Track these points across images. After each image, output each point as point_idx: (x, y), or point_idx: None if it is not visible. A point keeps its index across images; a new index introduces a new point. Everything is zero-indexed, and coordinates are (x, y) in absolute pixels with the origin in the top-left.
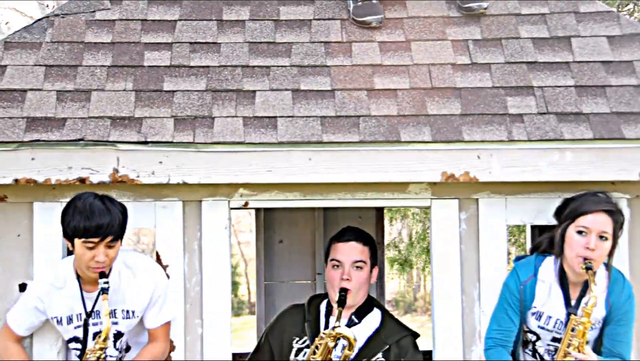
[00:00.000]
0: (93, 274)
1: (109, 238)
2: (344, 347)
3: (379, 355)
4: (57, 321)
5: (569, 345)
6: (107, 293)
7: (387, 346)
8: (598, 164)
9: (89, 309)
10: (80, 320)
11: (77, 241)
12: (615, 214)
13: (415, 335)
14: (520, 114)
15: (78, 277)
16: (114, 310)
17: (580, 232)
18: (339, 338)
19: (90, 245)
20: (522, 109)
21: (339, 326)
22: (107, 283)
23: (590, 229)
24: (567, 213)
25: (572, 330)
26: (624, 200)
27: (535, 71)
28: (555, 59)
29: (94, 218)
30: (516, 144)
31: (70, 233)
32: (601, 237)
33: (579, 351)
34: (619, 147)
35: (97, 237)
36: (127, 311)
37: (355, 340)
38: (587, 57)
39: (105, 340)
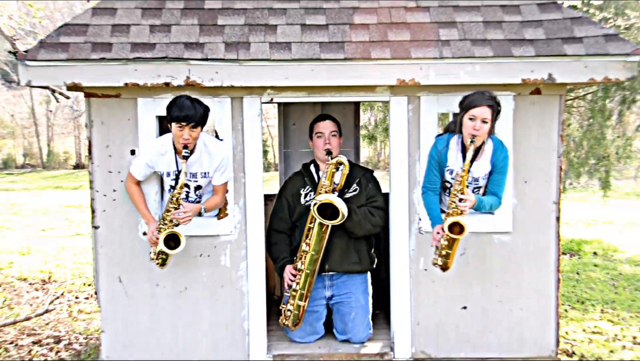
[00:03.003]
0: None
1: (191, 124)
2: (342, 170)
3: (354, 185)
4: (161, 174)
5: (456, 189)
6: (186, 159)
7: (358, 179)
8: (496, 73)
9: (180, 169)
10: (174, 175)
11: (173, 124)
12: (492, 106)
13: (372, 171)
14: (448, 40)
15: (174, 148)
16: (196, 172)
17: (470, 119)
18: (340, 164)
19: (180, 127)
20: (449, 37)
21: (336, 156)
22: (187, 151)
23: (477, 116)
24: (464, 105)
25: (458, 180)
26: (511, 96)
27: (458, 11)
28: (470, 3)
29: (184, 110)
30: (445, 60)
31: (170, 118)
32: (483, 122)
33: (462, 193)
34: (509, 62)
35: (184, 122)
36: (204, 173)
37: (348, 162)
38: (491, 2)
39: (181, 186)
